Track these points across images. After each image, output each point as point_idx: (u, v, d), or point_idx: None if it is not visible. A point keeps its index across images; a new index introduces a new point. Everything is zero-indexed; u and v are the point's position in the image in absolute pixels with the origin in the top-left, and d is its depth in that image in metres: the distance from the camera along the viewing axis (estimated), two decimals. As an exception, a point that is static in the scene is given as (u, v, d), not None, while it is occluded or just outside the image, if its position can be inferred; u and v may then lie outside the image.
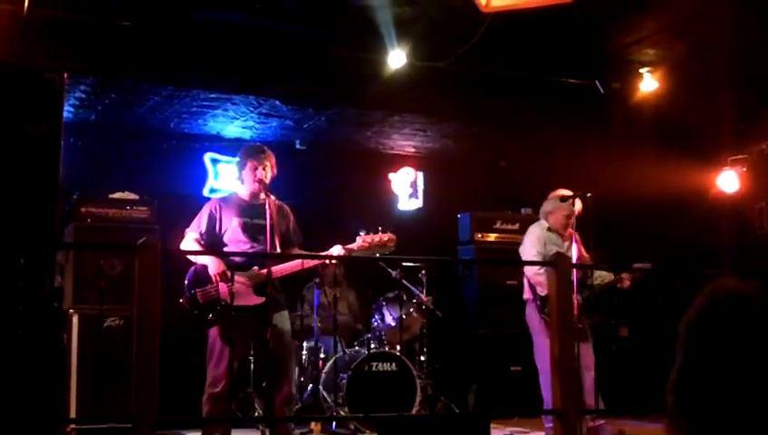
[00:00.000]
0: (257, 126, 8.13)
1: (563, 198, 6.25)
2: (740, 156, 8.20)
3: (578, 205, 6.34)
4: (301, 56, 6.88)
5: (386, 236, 5.40)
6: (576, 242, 6.48)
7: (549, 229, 6.40)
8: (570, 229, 6.34)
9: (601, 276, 6.36)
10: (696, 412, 1.34)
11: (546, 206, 6.48)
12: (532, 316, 6.21)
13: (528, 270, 6.26)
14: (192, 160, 8.17)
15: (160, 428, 3.79)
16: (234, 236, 5.27)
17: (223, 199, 5.54)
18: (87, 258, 6.35)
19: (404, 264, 6.86)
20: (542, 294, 5.92)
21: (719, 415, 1.32)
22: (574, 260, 5.92)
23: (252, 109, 7.62)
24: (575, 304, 6.09)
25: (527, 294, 6.33)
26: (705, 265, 6.32)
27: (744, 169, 8.17)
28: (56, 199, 4.51)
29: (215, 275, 5.13)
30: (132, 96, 7.31)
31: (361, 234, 5.39)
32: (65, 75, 4.65)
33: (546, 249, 6.06)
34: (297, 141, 8.52)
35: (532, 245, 6.35)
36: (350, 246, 5.33)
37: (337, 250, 5.29)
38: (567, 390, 4.34)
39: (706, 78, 7.42)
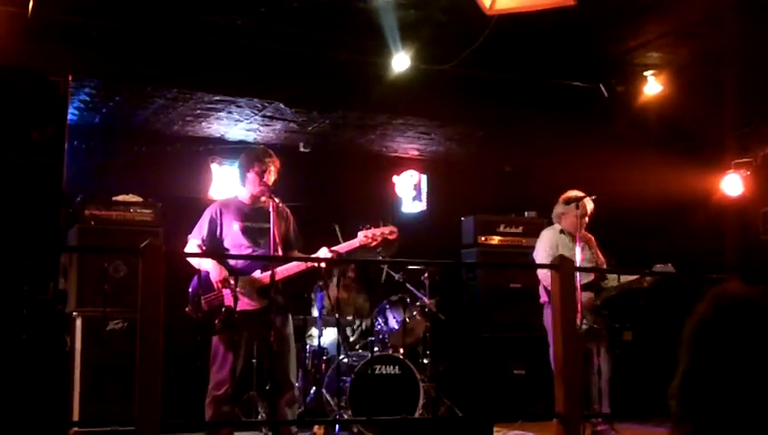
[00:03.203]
0: (261, 129, 8.13)
1: (568, 201, 6.23)
2: (744, 159, 8.19)
3: (590, 205, 6.32)
4: (305, 59, 6.88)
5: (387, 229, 5.34)
6: (591, 244, 6.48)
7: (561, 232, 6.38)
8: (583, 231, 6.31)
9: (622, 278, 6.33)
10: (700, 417, 1.34)
11: (558, 208, 6.46)
12: (549, 319, 6.18)
13: (542, 274, 6.23)
14: (196, 163, 8.17)
15: (163, 431, 3.78)
16: (235, 241, 5.27)
17: (223, 204, 5.52)
18: (91, 261, 6.36)
19: (408, 267, 6.86)
20: None
21: (723, 420, 1.31)
22: (578, 263, 5.91)
23: (256, 112, 7.62)
24: (590, 305, 6.13)
25: (543, 298, 6.32)
26: (709, 269, 6.29)
27: (749, 173, 8.15)
28: (60, 202, 4.52)
29: (217, 283, 5.14)
30: (136, 99, 7.31)
31: (362, 229, 5.35)
32: (69, 78, 4.65)
33: (558, 252, 6.04)
34: (301, 144, 8.52)
35: (543, 248, 6.34)
36: (335, 247, 5.29)
37: (323, 253, 5.26)
38: (571, 394, 4.32)
39: (711, 81, 7.40)
